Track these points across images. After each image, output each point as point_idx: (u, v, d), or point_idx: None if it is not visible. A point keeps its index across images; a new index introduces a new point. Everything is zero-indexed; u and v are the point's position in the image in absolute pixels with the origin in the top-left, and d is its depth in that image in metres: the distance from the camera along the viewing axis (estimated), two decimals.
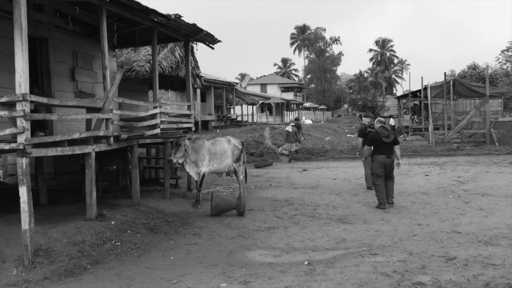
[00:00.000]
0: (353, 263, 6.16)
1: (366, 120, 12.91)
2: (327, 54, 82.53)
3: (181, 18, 10.33)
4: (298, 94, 70.86)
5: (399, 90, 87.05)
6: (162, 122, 10.42)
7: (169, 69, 15.69)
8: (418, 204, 10.10)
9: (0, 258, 6.19)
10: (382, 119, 10.97)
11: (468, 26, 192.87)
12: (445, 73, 25.43)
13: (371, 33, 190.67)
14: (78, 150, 7.47)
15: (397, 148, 9.98)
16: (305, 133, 22.74)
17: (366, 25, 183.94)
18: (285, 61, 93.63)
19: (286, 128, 20.13)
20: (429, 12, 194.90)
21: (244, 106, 43.24)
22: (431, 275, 5.53)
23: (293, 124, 20.68)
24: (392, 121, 32.44)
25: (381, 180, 9.89)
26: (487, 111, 22.67)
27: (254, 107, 45.95)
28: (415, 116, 34.37)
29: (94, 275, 6.00)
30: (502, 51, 48.02)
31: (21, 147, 6.08)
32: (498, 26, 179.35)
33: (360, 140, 12.34)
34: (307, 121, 42.61)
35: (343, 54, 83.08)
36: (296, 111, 54.78)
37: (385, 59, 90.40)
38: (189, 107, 12.47)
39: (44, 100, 6.80)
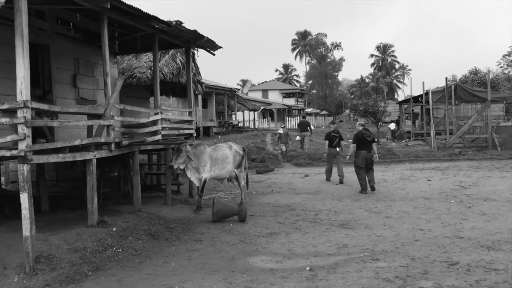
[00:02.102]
0: (355, 268, 6.14)
1: (333, 126, 15.36)
2: (329, 60, 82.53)
3: (182, 24, 10.36)
4: (299, 99, 70.93)
5: (400, 95, 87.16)
6: (163, 128, 10.43)
7: (170, 76, 15.71)
8: (420, 209, 10.07)
9: (2, 265, 6.19)
10: (362, 122, 13.57)
11: (469, 30, 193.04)
12: (446, 78, 25.41)
13: (372, 39, 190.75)
14: (79, 156, 7.49)
15: (374, 145, 12.50)
16: (306, 139, 22.85)
17: (367, 30, 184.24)
18: (286, 67, 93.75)
19: (278, 131, 22.02)
20: (429, 17, 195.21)
21: (246, 112, 43.34)
22: (434, 280, 5.51)
23: (284, 126, 22.86)
24: (392, 125, 32.53)
25: (363, 171, 12.32)
26: (489, 115, 22.65)
27: (256, 113, 46.01)
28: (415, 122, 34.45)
29: (95, 281, 5.99)
30: (504, 56, 48.06)
31: (22, 154, 6.09)
32: (499, 30, 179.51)
33: (327, 142, 14.74)
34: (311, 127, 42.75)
35: (344, 60, 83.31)
36: (298, 117, 54.83)
37: (386, 64, 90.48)
38: (190, 113, 12.49)
39: (45, 106, 6.82)
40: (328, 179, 14.93)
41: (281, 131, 21.41)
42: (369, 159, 12.30)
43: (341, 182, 14.32)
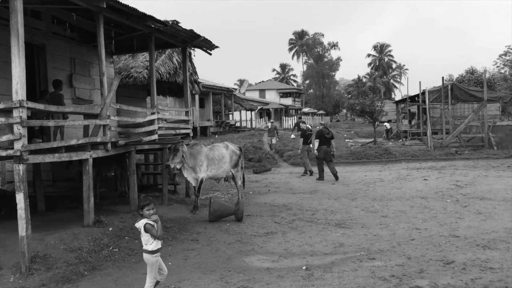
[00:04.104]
0: (351, 267, 6.15)
1: (304, 126, 17.41)
2: (326, 60, 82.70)
3: (179, 24, 10.36)
4: (296, 99, 70.96)
5: (397, 95, 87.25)
6: (160, 128, 10.43)
7: (167, 75, 15.71)
8: (416, 208, 10.09)
9: None
10: (323, 122, 17.93)
11: (465, 30, 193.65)
12: (443, 77, 25.49)
13: (369, 38, 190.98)
14: (75, 156, 7.48)
15: (333, 141, 15.25)
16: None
17: (364, 30, 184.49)
18: (283, 66, 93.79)
19: (267, 125, 26.42)
20: (426, 17, 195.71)
21: (243, 111, 43.31)
22: (429, 279, 5.53)
23: (272, 121, 26.31)
24: (387, 125, 32.76)
25: (322, 162, 15.02)
26: (485, 115, 22.71)
27: (253, 112, 46.01)
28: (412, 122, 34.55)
29: (91, 281, 5.98)
30: (500, 56, 48.30)
31: (18, 153, 6.08)
32: (495, 30, 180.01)
33: (301, 139, 16.69)
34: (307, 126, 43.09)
35: (341, 59, 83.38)
36: (295, 116, 54.91)
37: (383, 64, 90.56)
38: (187, 113, 12.48)
39: (41, 106, 6.81)
40: (310, 173, 16.43)
41: (269, 125, 24.70)
42: (328, 153, 14.91)
43: (310, 174, 16.23)
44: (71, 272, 6.11)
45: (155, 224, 4.99)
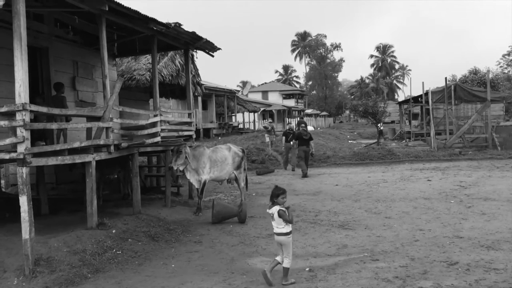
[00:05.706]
0: (355, 269, 6.14)
1: (288, 126, 19.57)
2: (328, 61, 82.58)
3: (181, 26, 10.37)
4: (299, 100, 70.96)
5: (400, 96, 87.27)
6: (162, 130, 10.44)
7: (170, 77, 15.73)
8: (420, 209, 10.06)
9: (1, 268, 6.18)
10: (303, 124, 18.51)
11: (467, 30, 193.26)
12: (446, 78, 25.39)
13: (372, 39, 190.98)
14: (78, 159, 7.49)
15: (311, 142, 16.84)
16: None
17: (366, 31, 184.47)
18: (286, 68, 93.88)
19: (264, 124, 28.13)
20: (429, 17, 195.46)
21: (246, 113, 43.34)
22: (433, 280, 5.52)
23: (270, 121, 28.71)
24: (381, 126, 33.26)
25: (303, 160, 16.49)
26: (488, 115, 22.61)
27: (256, 114, 46.03)
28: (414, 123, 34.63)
29: (94, 284, 5.99)
30: (503, 56, 48.24)
31: (21, 156, 6.09)
32: (499, 30, 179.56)
33: (284, 138, 18.79)
34: (309, 127, 43.23)
35: (344, 60, 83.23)
36: (298, 118, 54.93)
37: (386, 64, 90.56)
38: (189, 115, 12.48)
39: (44, 109, 6.83)
40: (285, 168, 18.64)
41: (267, 124, 25.67)
42: (307, 152, 16.54)
43: (293, 170, 17.96)
44: (74, 274, 6.12)
45: (286, 210, 5.66)
